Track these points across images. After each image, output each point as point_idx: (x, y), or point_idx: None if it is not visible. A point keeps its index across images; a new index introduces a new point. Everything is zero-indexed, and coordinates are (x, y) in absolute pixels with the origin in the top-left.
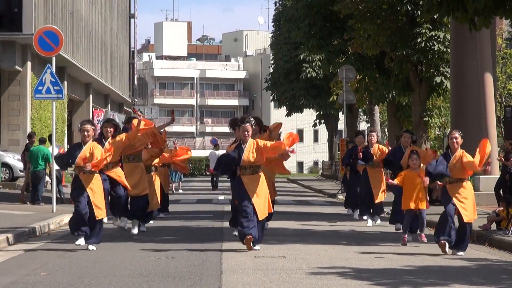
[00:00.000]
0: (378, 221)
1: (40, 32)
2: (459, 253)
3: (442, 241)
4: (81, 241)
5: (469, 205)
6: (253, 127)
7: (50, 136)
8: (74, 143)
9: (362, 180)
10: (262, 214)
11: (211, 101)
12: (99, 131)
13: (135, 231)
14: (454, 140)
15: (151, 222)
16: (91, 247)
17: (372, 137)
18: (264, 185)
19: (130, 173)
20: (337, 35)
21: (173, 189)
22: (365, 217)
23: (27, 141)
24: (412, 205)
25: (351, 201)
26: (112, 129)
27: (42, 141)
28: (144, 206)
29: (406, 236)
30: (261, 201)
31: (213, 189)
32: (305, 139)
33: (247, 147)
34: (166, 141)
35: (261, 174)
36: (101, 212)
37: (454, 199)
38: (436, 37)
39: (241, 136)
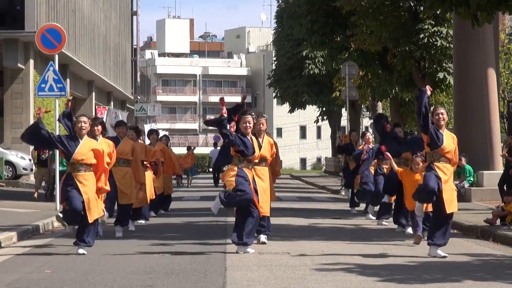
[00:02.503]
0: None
1: (43, 30)
2: (439, 251)
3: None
4: (81, 250)
5: (453, 194)
6: (254, 120)
7: None
8: (66, 135)
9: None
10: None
11: (213, 98)
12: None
13: (119, 234)
14: (440, 116)
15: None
16: (81, 250)
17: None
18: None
19: (120, 180)
20: (339, 32)
21: (189, 184)
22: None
23: None
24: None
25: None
26: (100, 127)
27: None
28: (128, 212)
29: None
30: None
31: (215, 185)
32: (308, 135)
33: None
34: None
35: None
36: (94, 215)
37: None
38: (438, 33)
39: (241, 128)
